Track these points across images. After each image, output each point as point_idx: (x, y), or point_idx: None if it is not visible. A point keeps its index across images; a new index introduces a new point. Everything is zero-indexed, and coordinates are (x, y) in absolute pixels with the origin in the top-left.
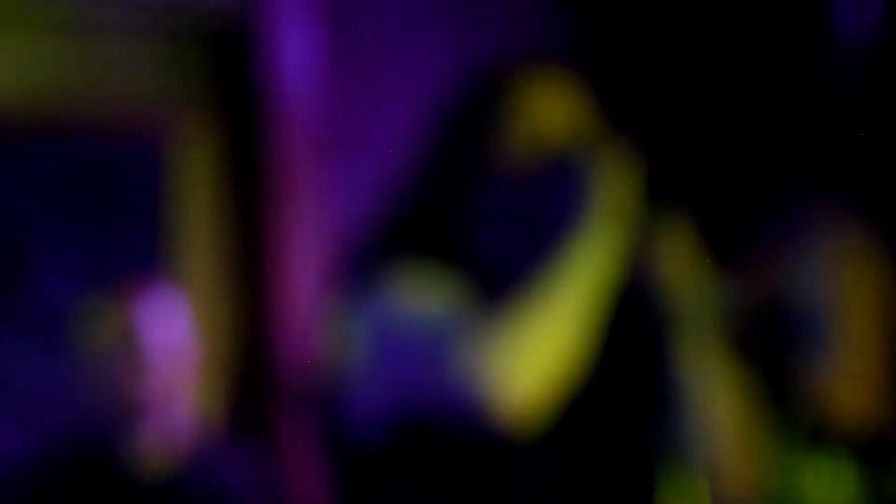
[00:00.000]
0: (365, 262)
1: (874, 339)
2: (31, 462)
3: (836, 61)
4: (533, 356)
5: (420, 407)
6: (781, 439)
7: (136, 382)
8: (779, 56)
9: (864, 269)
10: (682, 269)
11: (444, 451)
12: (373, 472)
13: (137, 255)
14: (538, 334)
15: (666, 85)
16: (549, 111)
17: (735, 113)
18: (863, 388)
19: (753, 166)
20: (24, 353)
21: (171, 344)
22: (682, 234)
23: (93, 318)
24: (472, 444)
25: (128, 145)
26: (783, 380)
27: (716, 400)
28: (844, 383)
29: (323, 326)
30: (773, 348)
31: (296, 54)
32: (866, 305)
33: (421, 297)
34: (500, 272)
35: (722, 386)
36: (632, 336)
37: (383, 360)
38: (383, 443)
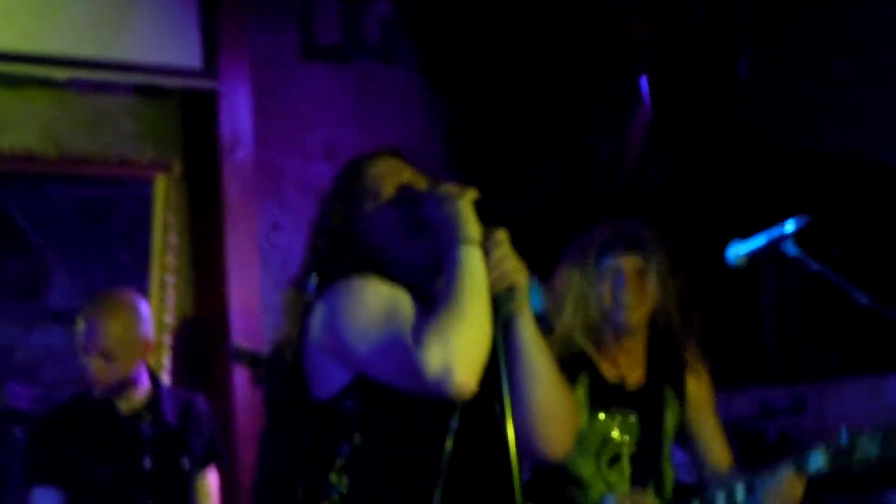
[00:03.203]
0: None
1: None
2: (46, 413)
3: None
4: (467, 345)
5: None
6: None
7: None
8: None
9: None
10: (508, 270)
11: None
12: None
13: (127, 268)
14: (468, 329)
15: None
16: (409, 173)
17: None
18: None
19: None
20: (41, 340)
21: (141, 330)
22: (505, 246)
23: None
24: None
25: (118, 187)
26: None
27: (540, 362)
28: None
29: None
30: None
31: (240, 111)
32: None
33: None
34: (410, 270)
35: (542, 351)
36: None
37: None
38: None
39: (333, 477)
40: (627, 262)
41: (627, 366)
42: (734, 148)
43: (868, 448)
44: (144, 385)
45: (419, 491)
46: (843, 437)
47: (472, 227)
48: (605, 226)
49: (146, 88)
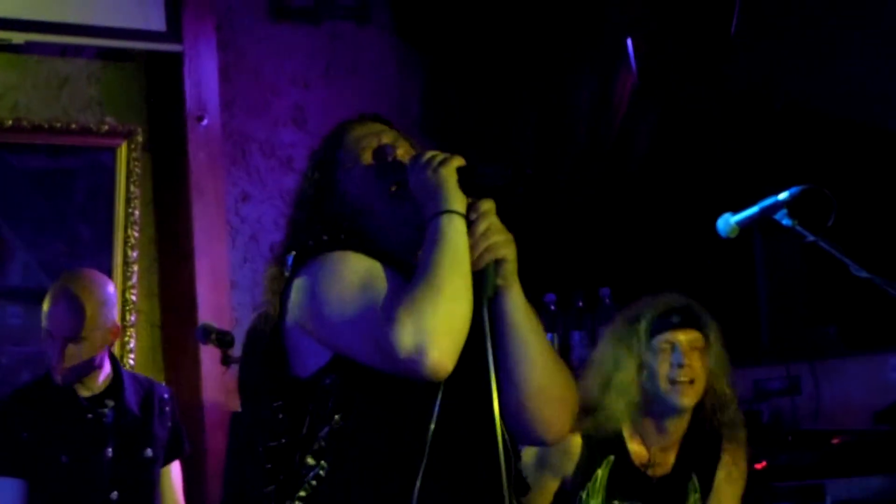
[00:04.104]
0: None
1: None
2: (4, 399)
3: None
4: (442, 322)
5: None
6: None
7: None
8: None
9: None
10: (494, 242)
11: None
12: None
13: (88, 242)
14: (444, 304)
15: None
16: (390, 136)
17: None
18: None
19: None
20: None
21: (110, 312)
22: (491, 217)
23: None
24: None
25: (78, 156)
26: None
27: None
28: None
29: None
30: None
31: (206, 76)
32: None
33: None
34: (393, 237)
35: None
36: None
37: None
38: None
39: (310, 459)
40: (685, 337)
41: (660, 449)
42: (725, 109)
43: None
44: (106, 370)
45: (401, 475)
46: None
47: (454, 196)
48: (655, 298)
49: (108, 52)
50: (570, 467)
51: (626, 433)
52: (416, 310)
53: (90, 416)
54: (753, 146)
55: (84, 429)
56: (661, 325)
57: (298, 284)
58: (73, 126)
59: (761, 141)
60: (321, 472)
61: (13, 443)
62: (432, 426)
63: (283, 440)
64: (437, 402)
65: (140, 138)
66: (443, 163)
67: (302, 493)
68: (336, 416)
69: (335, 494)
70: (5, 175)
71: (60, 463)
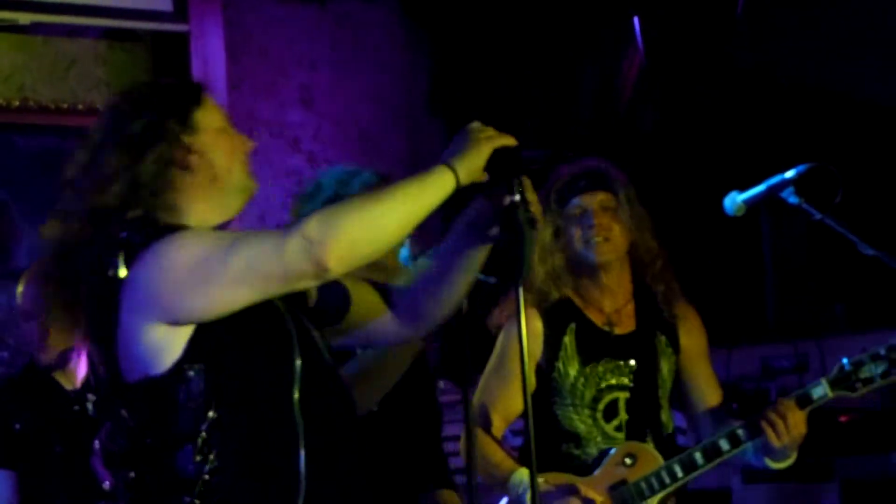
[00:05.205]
0: None
1: None
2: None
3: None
4: (354, 221)
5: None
6: None
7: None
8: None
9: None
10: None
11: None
12: None
13: None
14: (360, 216)
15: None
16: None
17: None
18: None
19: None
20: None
21: None
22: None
23: None
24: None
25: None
26: None
27: None
28: None
29: None
30: None
31: (212, 56)
32: None
33: None
34: None
35: None
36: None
37: None
38: None
39: (198, 456)
40: (593, 200)
41: (614, 310)
42: (731, 87)
43: (872, 368)
44: (84, 366)
45: (285, 455)
46: (845, 364)
47: (469, 164)
48: (564, 167)
49: (114, 33)
50: (538, 346)
51: (577, 301)
52: (335, 208)
53: (77, 407)
54: (760, 124)
55: (72, 420)
56: (570, 190)
57: (140, 275)
58: (80, 107)
59: (767, 119)
60: (210, 466)
61: (7, 434)
62: (296, 396)
63: (148, 441)
64: (297, 368)
65: None
66: (487, 138)
67: (199, 489)
68: (210, 408)
69: (229, 485)
70: (12, 156)
71: (55, 453)
